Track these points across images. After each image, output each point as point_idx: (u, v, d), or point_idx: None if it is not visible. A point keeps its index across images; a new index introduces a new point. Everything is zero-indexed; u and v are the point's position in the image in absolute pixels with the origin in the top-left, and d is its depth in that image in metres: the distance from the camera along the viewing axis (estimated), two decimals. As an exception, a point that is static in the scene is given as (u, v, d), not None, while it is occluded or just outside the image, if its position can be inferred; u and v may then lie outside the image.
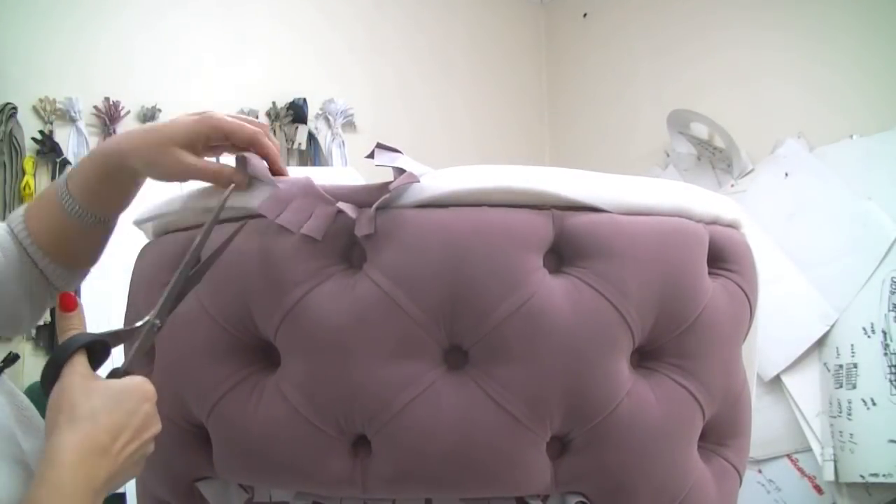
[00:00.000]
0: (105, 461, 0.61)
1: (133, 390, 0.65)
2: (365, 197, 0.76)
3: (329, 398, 0.74)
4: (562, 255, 0.78)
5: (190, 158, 0.78)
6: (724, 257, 0.86)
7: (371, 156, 0.79)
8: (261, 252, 0.77)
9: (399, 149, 0.80)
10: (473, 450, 0.73)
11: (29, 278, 0.83)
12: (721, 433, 0.87)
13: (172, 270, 0.83)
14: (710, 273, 0.83)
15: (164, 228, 0.90)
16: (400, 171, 0.76)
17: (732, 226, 0.90)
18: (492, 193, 0.76)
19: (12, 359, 0.77)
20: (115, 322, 0.91)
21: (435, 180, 0.77)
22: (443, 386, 0.74)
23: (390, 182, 0.76)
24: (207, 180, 0.81)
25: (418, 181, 0.76)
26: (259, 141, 0.81)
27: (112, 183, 0.80)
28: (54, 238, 0.83)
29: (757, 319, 0.91)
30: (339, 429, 0.75)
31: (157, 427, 0.67)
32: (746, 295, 0.87)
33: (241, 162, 0.80)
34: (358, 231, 0.74)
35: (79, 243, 0.84)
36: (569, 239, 0.77)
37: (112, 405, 0.63)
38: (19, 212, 0.85)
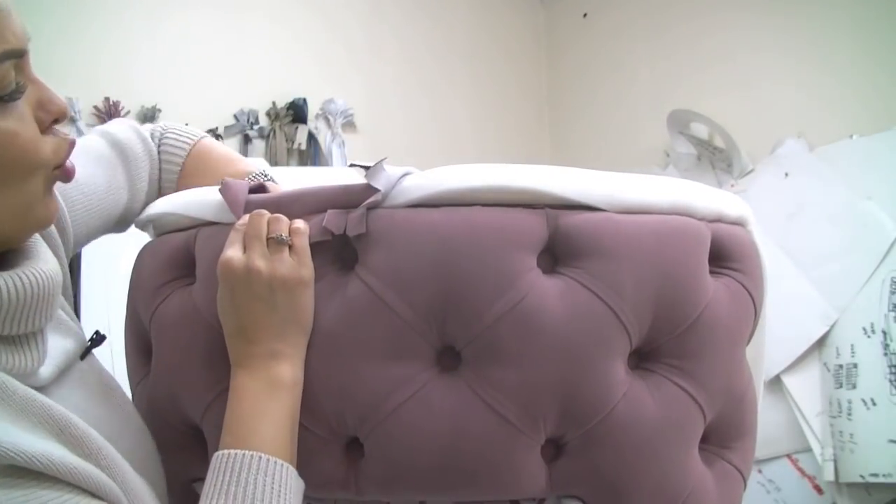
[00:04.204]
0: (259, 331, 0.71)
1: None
2: (356, 197, 0.76)
3: (320, 400, 0.74)
4: (556, 255, 0.76)
5: None
6: (727, 256, 0.83)
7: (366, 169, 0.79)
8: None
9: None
10: (466, 452, 0.72)
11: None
12: (724, 435, 0.84)
13: (171, 270, 0.83)
14: (712, 272, 0.81)
15: (163, 228, 0.90)
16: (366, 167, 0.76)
17: (738, 223, 0.87)
18: (484, 192, 0.75)
19: (100, 339, 0.78)
20: (116, 323, 0.91)
21: (426, 180, 0.76)
22: (435, 387, 0.73)
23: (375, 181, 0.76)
24: None
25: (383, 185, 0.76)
26: None
27: None
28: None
29: (764, 319, 0.89)
30: (332, 430, 0.75)
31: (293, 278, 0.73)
32: (750, 294, 0.84)
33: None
34: (349, 231, 0.74)
35: None
36: (563, 238, 0.75)
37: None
38: (188, 138, 0.94)
